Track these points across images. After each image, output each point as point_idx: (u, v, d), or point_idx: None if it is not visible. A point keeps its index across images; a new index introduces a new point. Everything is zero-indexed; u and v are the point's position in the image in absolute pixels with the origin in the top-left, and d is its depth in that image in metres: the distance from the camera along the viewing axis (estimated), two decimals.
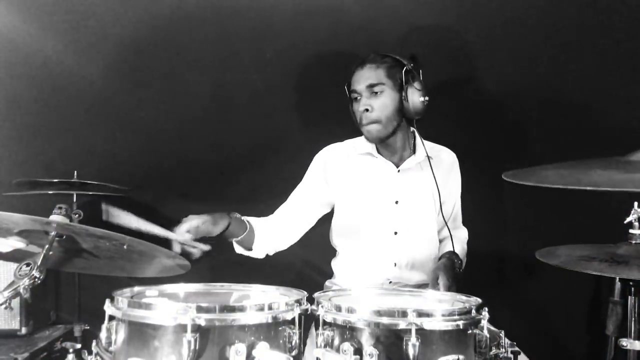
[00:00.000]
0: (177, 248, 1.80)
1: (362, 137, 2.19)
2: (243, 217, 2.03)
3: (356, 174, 2.18)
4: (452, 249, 2.11)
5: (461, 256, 2.17)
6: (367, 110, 2.04)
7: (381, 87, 2.03)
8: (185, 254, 1.80)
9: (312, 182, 2.21)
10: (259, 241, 2.06)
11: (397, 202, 2.15)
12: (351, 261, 2.22)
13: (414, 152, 2.17)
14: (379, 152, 2.17)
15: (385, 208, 2.15)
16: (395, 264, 2.15)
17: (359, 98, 2.06)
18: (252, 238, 2.04)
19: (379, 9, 2.68)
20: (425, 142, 2.15)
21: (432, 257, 2.18)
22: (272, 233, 2.10)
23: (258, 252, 2.09)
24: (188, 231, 1.82)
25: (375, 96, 2.04)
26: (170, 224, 1.84)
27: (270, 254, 2.14)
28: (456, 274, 2.00)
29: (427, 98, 2.04)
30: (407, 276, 2.15)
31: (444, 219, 2.15)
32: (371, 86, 2.04)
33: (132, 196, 2.55)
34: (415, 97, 2.03)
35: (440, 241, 2.25)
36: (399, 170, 2.16)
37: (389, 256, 2.16)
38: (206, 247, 1.85)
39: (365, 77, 2.05)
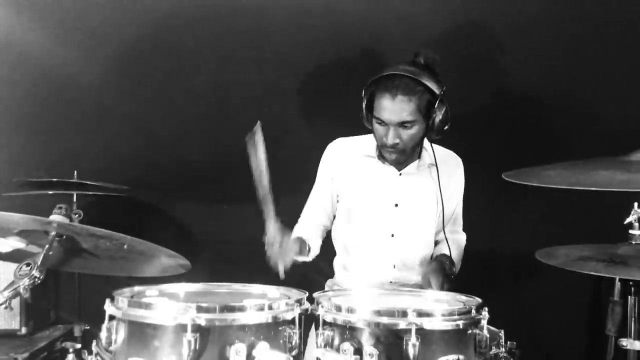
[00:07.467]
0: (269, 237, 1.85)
1: (369, 136, 2.18)
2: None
3: (358, 175, 2.17)
4: (446, 252, 2.10)
5: (456, 260, 2.17)
6: (396, 143, 2.01)
7: (412, 121, 1.98)
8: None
9: (324, 179, 2.23)
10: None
11: (396, 205, 2.15)
12: (352, 262, 2.23)
13: (419, 156, 2.17)
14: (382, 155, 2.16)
15: (385, 210, 2.15)
16: (394, 266, 2.16)
17: (383, 125, 2.00)
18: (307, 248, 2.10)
19: (378, 8, 2.67)
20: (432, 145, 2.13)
21: (429, 259, 2.18)
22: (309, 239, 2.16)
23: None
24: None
25: (405, 128, 1.99)
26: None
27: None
28: (446, 275, 1.99)
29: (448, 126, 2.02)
30: (407, 277, 2.15)
31: (443, 222, 2.15)
32: (403, 121, 1.97)
33: (132, 196, 2.55)
34: (441, 125, 2.00)
35: (436, 243, 2.24)
36: (400, 174, 2.15)
37: (387, 258, 2.16)
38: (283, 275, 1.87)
39: (397, 110, 1.95)
